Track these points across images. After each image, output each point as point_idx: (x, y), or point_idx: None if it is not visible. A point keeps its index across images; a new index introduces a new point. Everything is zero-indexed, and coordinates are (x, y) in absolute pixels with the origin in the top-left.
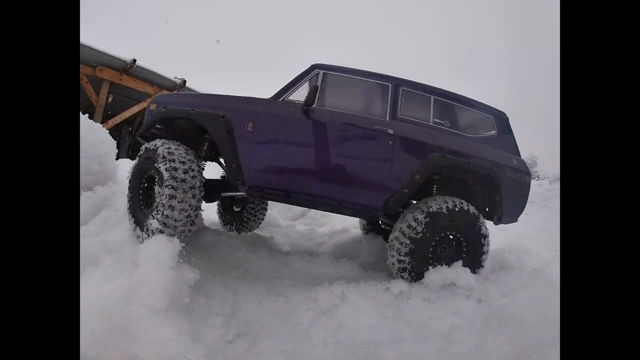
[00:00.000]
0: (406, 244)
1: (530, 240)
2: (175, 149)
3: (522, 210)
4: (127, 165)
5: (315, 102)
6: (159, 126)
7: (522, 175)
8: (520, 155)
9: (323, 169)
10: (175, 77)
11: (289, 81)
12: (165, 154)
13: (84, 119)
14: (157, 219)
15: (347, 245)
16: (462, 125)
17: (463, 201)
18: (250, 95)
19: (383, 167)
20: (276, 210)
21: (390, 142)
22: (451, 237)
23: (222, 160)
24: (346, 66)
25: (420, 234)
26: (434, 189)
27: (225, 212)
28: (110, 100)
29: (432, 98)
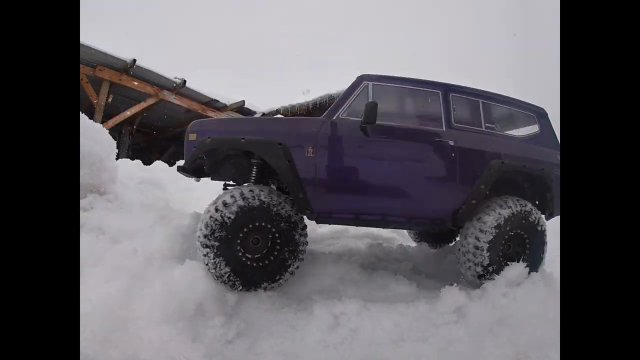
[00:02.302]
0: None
1: None
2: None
3: None
4: (127, 166)
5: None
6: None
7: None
8: (559, 150)
9: (390, 187)
10: (175, 77)
11: (339, 96)
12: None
13: (83, 118)
14: None
15: (347, 245)
16: (509, 126)
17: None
18: (300, 116)
19: (448, 179)
20: None
21: (453, 154)
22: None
23: (272, 184)
24: (392, 75)
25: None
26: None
27: None
28: (110, 100)
29: (480, 102)
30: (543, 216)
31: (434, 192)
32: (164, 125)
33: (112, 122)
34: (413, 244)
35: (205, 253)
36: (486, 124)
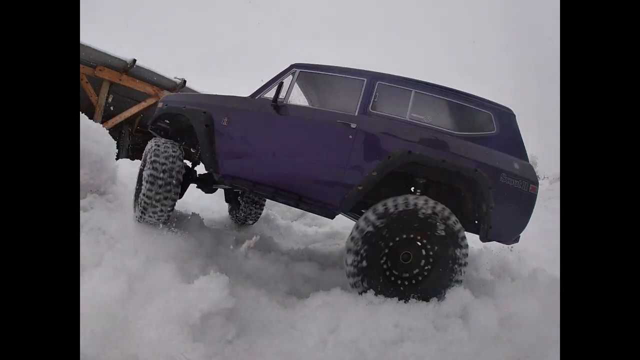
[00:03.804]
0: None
1: (530, 240)
2: (163, 147)
3: (524, 227)
4: (127, 166)
5: (285, 98)
6: (167, 121)
7: (526, 184)
8: (527, 159)
9: (285, 163)
10: (175, 77)
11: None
12: (150, 153)
13: (83, 118)
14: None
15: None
16: (450, 122)
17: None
18: (235, 95)
19: (342, 162)
20: (276, 210)
21: (350, 137)
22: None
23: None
24: (326, 64)
25: (373, 238)
26: (417, 193)
27: (230, 203)
28: (110, 100)
29: (412, 92)
30: (457, 228)
31: (325, 173)
32: None
33: (112, 122)
34: None
35: None
36: (412, 114)
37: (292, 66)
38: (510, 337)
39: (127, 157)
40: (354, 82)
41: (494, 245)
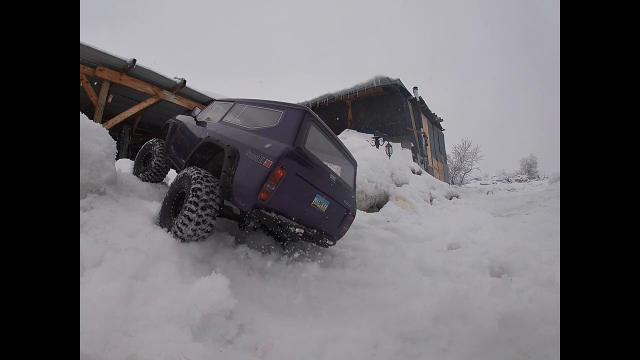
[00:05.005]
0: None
1: (530, 240)
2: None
3: (253, 192)
4: (127, 166)
5: (197, 118)
6: None
7: (262, 158)
8: (292, 144)
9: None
10: (175, 77)
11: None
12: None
13: (83, 118)
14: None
15: (351, 246)
16: (251, 121)
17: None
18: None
19: (194, 142)
20: None
21: (201, 131)
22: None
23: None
24: (225, 97)
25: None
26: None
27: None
28: (110, 100)
29: (245, 107)
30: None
31: (185, 149)
32: None
33: (112, 122)
34: (408, 244)
35: None
36: (236, 120)
37: (215, 101)
38: (510, 337)
39: (127, 157)
40: (228, 104)
41: (493, 246)
